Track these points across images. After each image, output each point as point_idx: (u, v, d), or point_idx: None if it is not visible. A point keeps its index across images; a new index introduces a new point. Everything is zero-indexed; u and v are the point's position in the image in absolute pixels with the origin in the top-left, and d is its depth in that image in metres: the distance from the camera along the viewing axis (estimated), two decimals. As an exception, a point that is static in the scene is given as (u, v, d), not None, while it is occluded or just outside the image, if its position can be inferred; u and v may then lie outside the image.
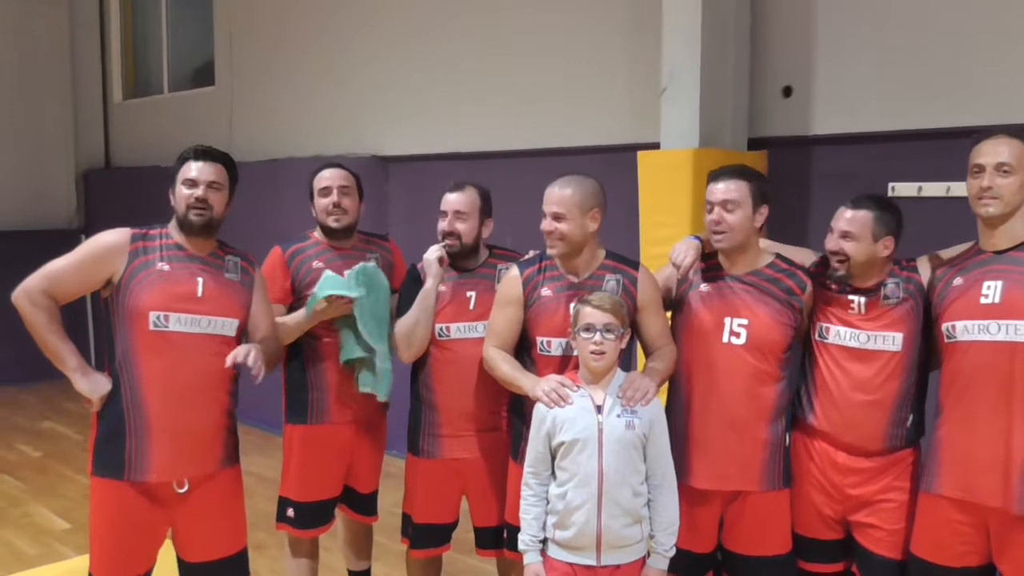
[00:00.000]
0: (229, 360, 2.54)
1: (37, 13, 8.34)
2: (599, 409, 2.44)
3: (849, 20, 3.94)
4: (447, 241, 2.96)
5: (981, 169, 2.38)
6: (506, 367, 2.70)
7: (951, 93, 3.67)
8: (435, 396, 2.97)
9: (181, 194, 2.61)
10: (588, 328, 2.45)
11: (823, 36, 4.02)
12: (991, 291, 2.37)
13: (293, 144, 6.44)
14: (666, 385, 2.71)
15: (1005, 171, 2.35)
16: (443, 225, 2.97)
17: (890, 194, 3.71)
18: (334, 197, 3.11)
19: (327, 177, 3.15)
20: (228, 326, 2.64)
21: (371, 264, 3.09)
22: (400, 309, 3.01)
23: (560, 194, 2.66)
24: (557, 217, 2.64)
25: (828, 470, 2.64)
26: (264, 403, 3.23)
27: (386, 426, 3.30)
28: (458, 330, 2.94)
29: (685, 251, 2.70)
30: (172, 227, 2.67)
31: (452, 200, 2.97)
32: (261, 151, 6.60)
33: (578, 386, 2.49)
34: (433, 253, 2.95)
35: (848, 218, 2.54)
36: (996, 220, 2.40)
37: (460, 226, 2.94)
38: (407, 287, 3.03)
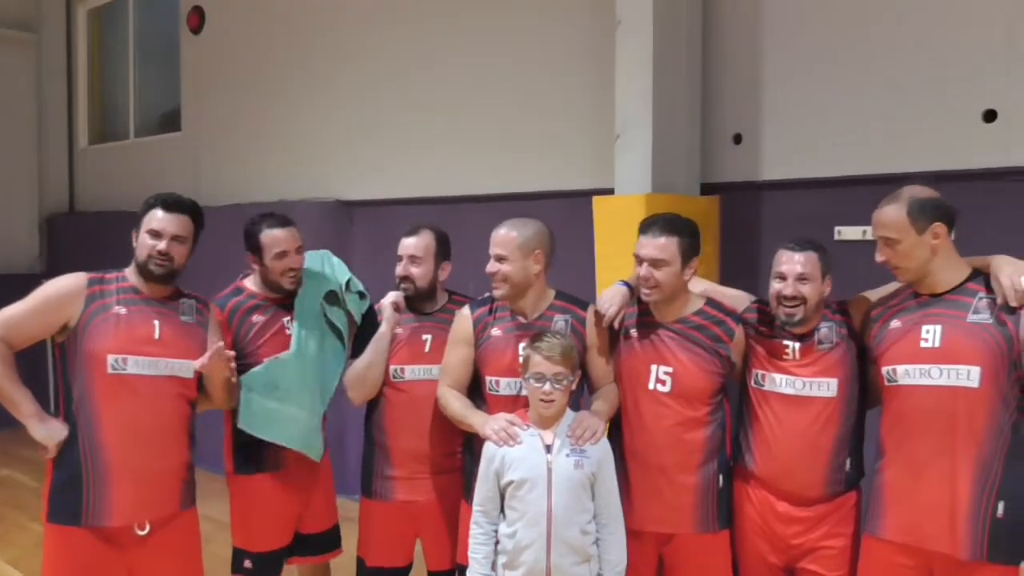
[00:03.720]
0: (198, 363, 2.62)
1: (4, 58, 8.34)
2: (548, 448, 2.47)
3: (796, 72, 4.10)
4: (403, 285, 3.00)
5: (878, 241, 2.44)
6: (457, 405, 2.73)
7: (891, 141, 3.82)
8: (387, 438, 2.98)
9: (144, 243, 2.63)
10: (538, 377, 2.48)
11: (770, 87, 4.18)
12: (931, 335, 2.37)
13: (258, 189, 6.47)
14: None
15: (889, 242, 2.39)
16: (398, 269, 3.00)
17: (836, 237, 3.83)
18: (294, 262, 3.00)
19: (283, 239, 2.99)
20: (186, 368, 2.66)
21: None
22: (356, 351, 3.04)
23: (501, 236, 2.70)
24: (499, 259, 2.68)
25: (769, 518, 2.63)
26: (223, 448, 3.23)
27: (330, 463, 3.28)
28: (412, 372, 2.97)
29: (611, 298, 2.72)
30: (130, 271, 2.69)
31: (407, 244, 3.00)
32: (226, 196, 6.62)
33: (528, 425, 2.53)
34: (388, 298, 2.99)
35: (802, 260, 2.53)
36: (915, 282, 2.44)
37: (414, 270, 2.98)
38: (364, 329, 3.06)
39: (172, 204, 2.67)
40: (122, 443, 2.55)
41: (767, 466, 2.61)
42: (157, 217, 2.64)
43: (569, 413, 2.56)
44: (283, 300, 3.12)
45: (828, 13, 4.01)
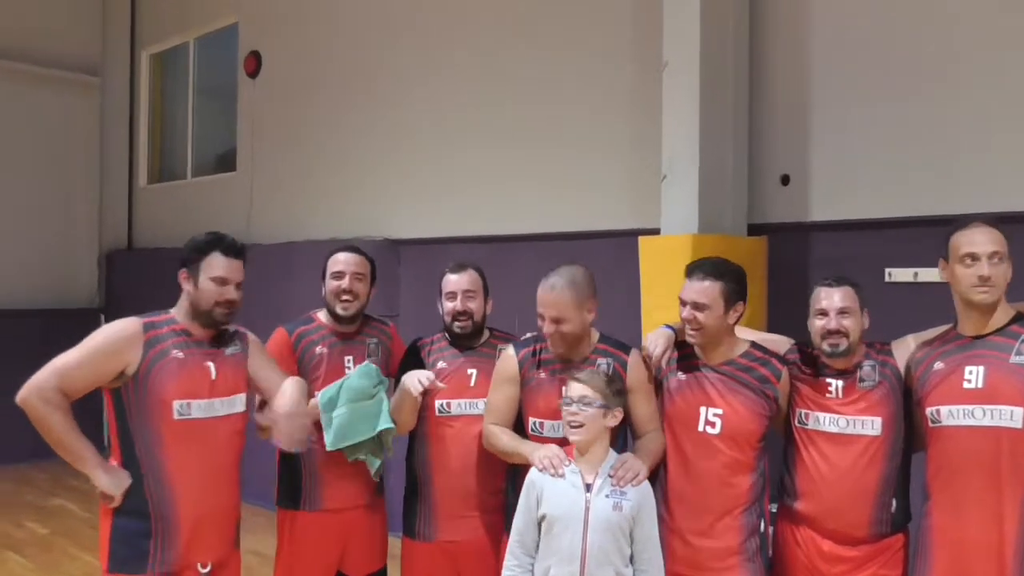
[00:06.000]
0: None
1: (69, 101, 8.68)
2: (588, 487, 2.46)
3: (844, 112, 4.09)
4: (459, 321, 3.00)
5: (975, 258, 2.42)
6: (506, 438, 2.73)
7: (942, 182, 3.77)
8: (432, 473, 2.97)
9: (209, 289, 2.58)
10: (568, 401, 2.51)
11: (818, 127, 4.17)
12: (973, 376, 2.40)
13: (309, 227, 6.63)
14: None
15: (998, 260, 2.41)
16: (454, 305, 3.00)
17: (886, 279, 3.79)
18: (346, 283, 3.09)
19: (342, 261, 3.12)
20: (239, 402, 2.68)
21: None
22: (397, 382, 3.01)
23: (556, 298, 2.66)
24: (557, 321, 2.67)
25: (815, 558, 2.60)
26: (272, 482, 3.26)
27: (384, 506, 3.26)
28: (459, 406, 2.96)
29: (655, 340, 2.74)
30: (177, 311, 2.64)
31: (459, 281, 3.02)
32: (278, 234, 6.78)
33: (571, 460, 2.51)
34: (422, 382, 2.82)
35: (841, 295, 2.58)
36: (990, 308, 2.44)
37: (471, 305, 3.00)
38: (406, 362, 3.06)
39: (232, 249, 2.63)
40: (188, 488, 2.53)
41: (812, 505, 2.60)
42: (220, 264, 2.59)
43: (612, 454, 2.55)
44: (350, 335, 3.17)
45: (876, 53, 4.00)
